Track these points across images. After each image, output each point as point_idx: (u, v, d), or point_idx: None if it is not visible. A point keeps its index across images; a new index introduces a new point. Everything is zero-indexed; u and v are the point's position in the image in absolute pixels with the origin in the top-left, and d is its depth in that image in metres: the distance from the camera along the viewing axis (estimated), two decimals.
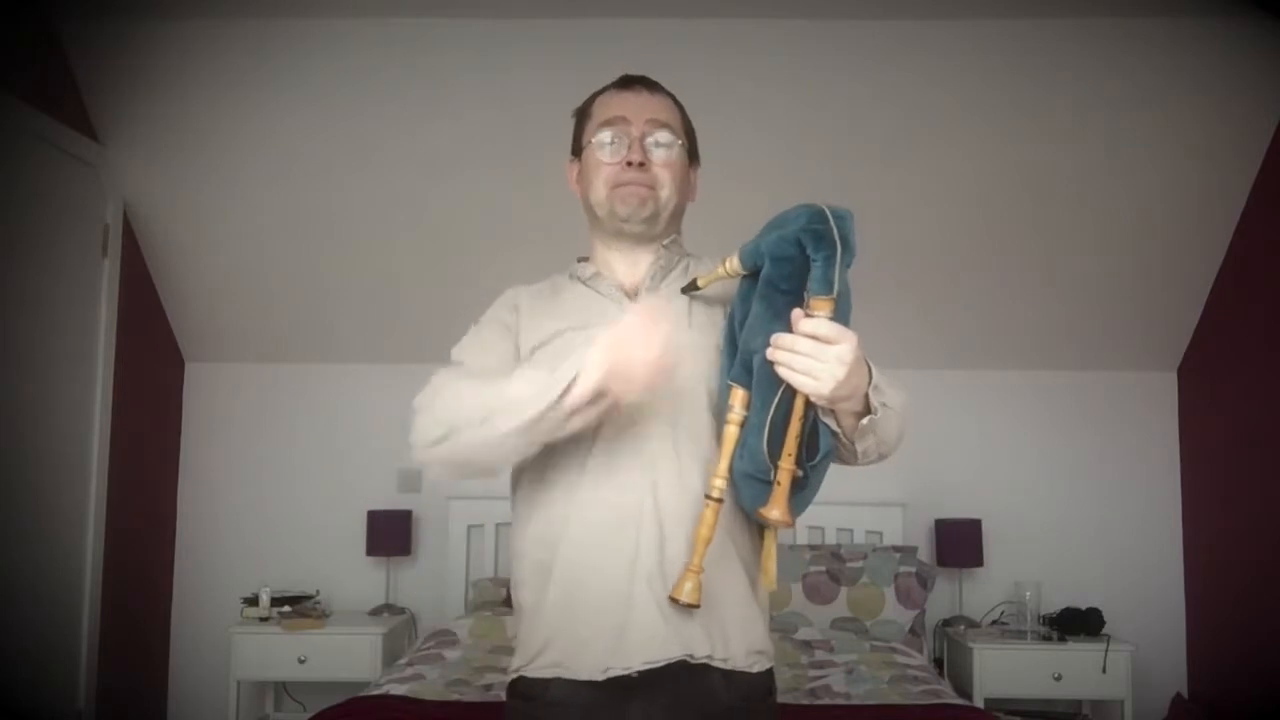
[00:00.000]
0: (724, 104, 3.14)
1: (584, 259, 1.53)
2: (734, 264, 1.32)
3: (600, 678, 1.31)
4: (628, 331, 1.16)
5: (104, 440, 3.27)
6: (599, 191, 1.44)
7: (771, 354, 1.19)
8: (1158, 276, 3.53)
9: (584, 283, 1.48)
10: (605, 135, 1.43)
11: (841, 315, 1.22)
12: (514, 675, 1.42)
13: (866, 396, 1.23)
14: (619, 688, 1.31)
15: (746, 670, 1.36)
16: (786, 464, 1.23)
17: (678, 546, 1.31)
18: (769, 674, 1.42)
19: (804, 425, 1.23)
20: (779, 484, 1.22)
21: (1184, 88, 3.06)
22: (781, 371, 1.18)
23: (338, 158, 3.31)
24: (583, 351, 1.19)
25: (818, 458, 1.27)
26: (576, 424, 1.22)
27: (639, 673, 1.30)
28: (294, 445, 3.89)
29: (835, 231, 1.21)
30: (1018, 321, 3.70)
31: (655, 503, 1.32)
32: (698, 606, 1.25)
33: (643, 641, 1.30)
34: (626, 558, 1.31)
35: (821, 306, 1.19)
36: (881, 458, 1.33)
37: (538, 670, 1.37)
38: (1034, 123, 3.18)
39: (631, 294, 1.45)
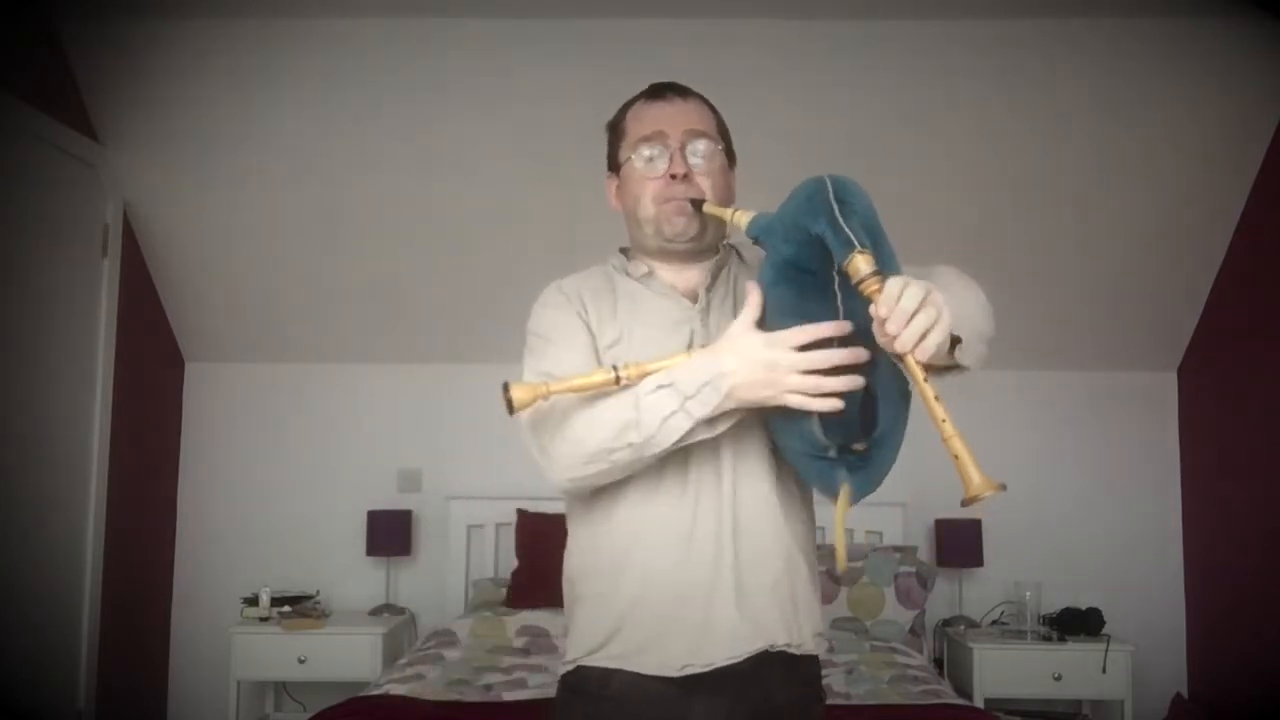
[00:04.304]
0: (724, 104, 3.14)
1: (624, 249, 1.51)
2: (741, 221, 1.31)
3: (676, 674, 1.32)
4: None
5: (104, 440, 3.27)
6: (646, 208, 1.42)
7: (893, 344, 1.12)
8: (1158, 276, 3.53)
9: (637, 280, 1.46)
10: (644, 151, 1.42)
11: (886, 261, 1.18)
12: (569, 668, 1.41)
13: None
14: (684, 685, 1.32)
15: (813, 653, 1.40)
16: (948, 430, 1.12)
17: (754, 542, 1.34)
18: (818, 667, 1.44)
19: (932, 389, 1.14)
20: (958, 457, 1.11)
21: (1184, 88, 3.06)
22: (909, 354, 1.11)
23: (338, 157, 3.31)
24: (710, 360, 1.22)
25: (876, 432, 1.23)
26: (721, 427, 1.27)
27: (712, 670, 1.32)
28: (294, 445, 3.89)
29: (831, 195, 1.17)
30: (1017, 322, 3.69)
31: (734, 500, 1.34)
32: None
33: (723, 638, 1.32)
34: (709, 555, 1.32)
35: (860, 262, 1.13)
36: (989, 339, 1.31)
37: (600, 661, 1.37)
38: (1033, 123, 3.18)
39: (689, 296, 1.44)
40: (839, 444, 1.23)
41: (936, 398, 1.12)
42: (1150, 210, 3.35)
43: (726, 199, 1.44)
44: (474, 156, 3.29)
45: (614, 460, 1.28)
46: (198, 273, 3.67)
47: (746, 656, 1.32)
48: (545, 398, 1.24)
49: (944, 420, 1.12)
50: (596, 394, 1.28)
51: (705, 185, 1.41)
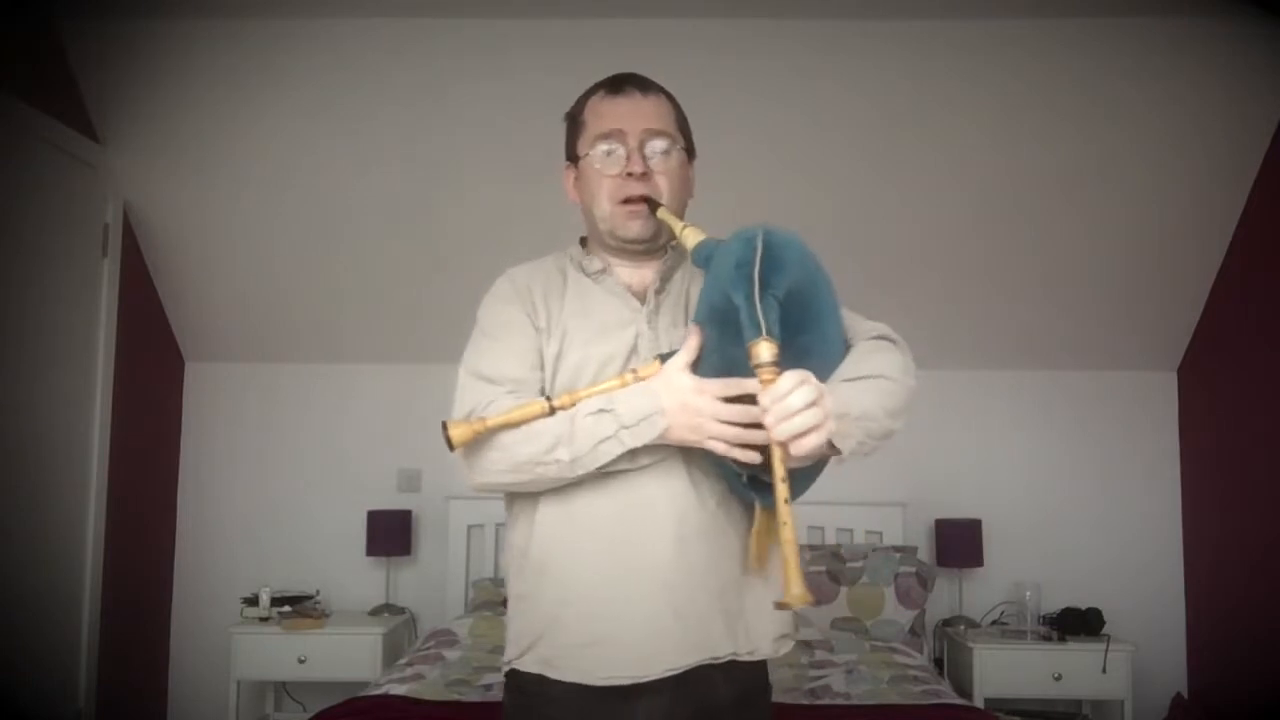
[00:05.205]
0: (720, 105, 3.14)
1: (584, 239, 1.51)
2: (688, 240, 1.33)
3: (598, 684, 1.32)
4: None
5: (104, 440, 3.27)
6: (603, 206, 1.42)
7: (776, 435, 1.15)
8: (1157, 277, 3.53)
9: (589, 277, 1.46)
10: (602, 148, 1.41)
11: (820, 332, 1.24)
12: (506, 669, 1.43)
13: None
14: (623, 688, 1.32)
15: (772, 656, 1.40)
16: (786, 534, 1.16)
17: (699, 552, 1.33)
18: (765, 668, 1.44)
19: (785, 491, 1.18)
20: (787, 562, 1.16)
21: (1184, 88, 3.06)
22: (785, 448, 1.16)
23: (338, 158, 3.31)
24: (649, 392, 1.25)
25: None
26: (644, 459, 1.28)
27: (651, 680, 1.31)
28: (294, 445, 3.89)
29: (756, 270, 1.19)
30: (1017, 322, 3.71)
31: (672, 509, 1.32)
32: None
33: (662, 650, 1.31)
34: (646, 564, 1.31)
35: (760, 349, 1.16)
36: (892, 435, 1.29)
37: (530, 665, 1.37)
38: (1032, 123, 3.18)
39: (640, 296, 1.44)
40: (751, 474, 1.26)
41: (786, 501, 1.17)
42: (1150, 210, 3.35)
43: (684, 197, 1.45)
44: (474, 156, 3.28)
45: (538, 474, 1.29)
46: (198, 273, 3.67)
47: (687, 668, 1.31)
48: (482, 434, 1.27)
49: (785, 524, 1.16)
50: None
51: (662, 184, 1.41)
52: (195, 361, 3.94)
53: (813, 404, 1.14)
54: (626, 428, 1.25)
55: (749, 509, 1.37)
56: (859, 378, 1.26)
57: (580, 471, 1.28)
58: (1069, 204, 3.36)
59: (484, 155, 3.27)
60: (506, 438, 1.29)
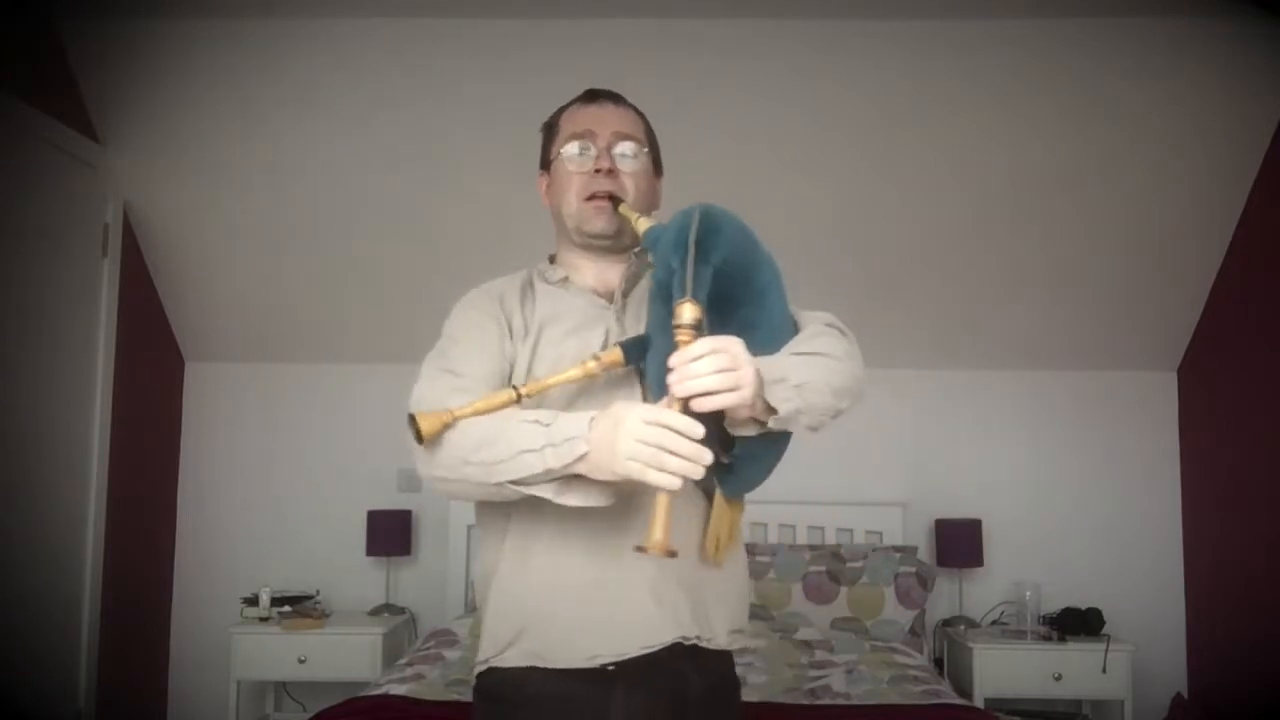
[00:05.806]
0: (720, 105, 3.14)
1: (552, 256, 1.56)
2: (642, 226, 1.37)
3: (585, 665, 1.32)
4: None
5: (104, 440, 3.27)
6: (570, 204, 1.47)
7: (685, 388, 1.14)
8: (1157, 276, 3.53)
9: (554, 285, 1.50)
10: (573, 147, 1.47)
11: (764, 307, 1.26)
12: (481, 669, 1.42)
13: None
14: (598, 679, 1.32)
15: (726, 649, 1.41)
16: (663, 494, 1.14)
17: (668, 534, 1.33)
18: (731, 662, 1.46)
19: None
20: (656, 513, 1.13)
21: (1184, 88, 3.06)
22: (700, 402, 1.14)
23: (338, 158, 3.31)
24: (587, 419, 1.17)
25: (734, 450, 1.26)
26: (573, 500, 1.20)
27: (624, 660, 1.31)
28: (294, 445, 3.89)
29: (692, 236, 1.22)
30: (1017, 322, 3.71)
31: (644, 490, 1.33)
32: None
33: (637, 629, 1.32)
34: (614, 544, 1.32)
35: (683, 311, 1.18)
36: (839, 414, 1.29)
37: (511, 660, 1.38)
38: (1032, 123, 3.18)
39: (606, 297, 1.47)
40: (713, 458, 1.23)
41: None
42: (1150, 210, 3.35)
43: (648, 201, 1.49)
44: (474, 156, 3.28)
45: (465, 474, 1.24)
46: (198, 273, 3.67)
47: (660, 647, 1.32)
48: (450, 424, 1.24)
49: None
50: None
51: (629, 185, 1.46)
52: (195, 361, 3.94)
53: (723, 370, 1.13)
54: (553, 445, 1.17)
55: (708, 501, 1.38)
56: (805, 353, 1.28)
57: (497, 480, 1.21)
58: (1069, 204, 3.36)
59: (484, 155, 3.27)
60: (453, 430, 1.25)
